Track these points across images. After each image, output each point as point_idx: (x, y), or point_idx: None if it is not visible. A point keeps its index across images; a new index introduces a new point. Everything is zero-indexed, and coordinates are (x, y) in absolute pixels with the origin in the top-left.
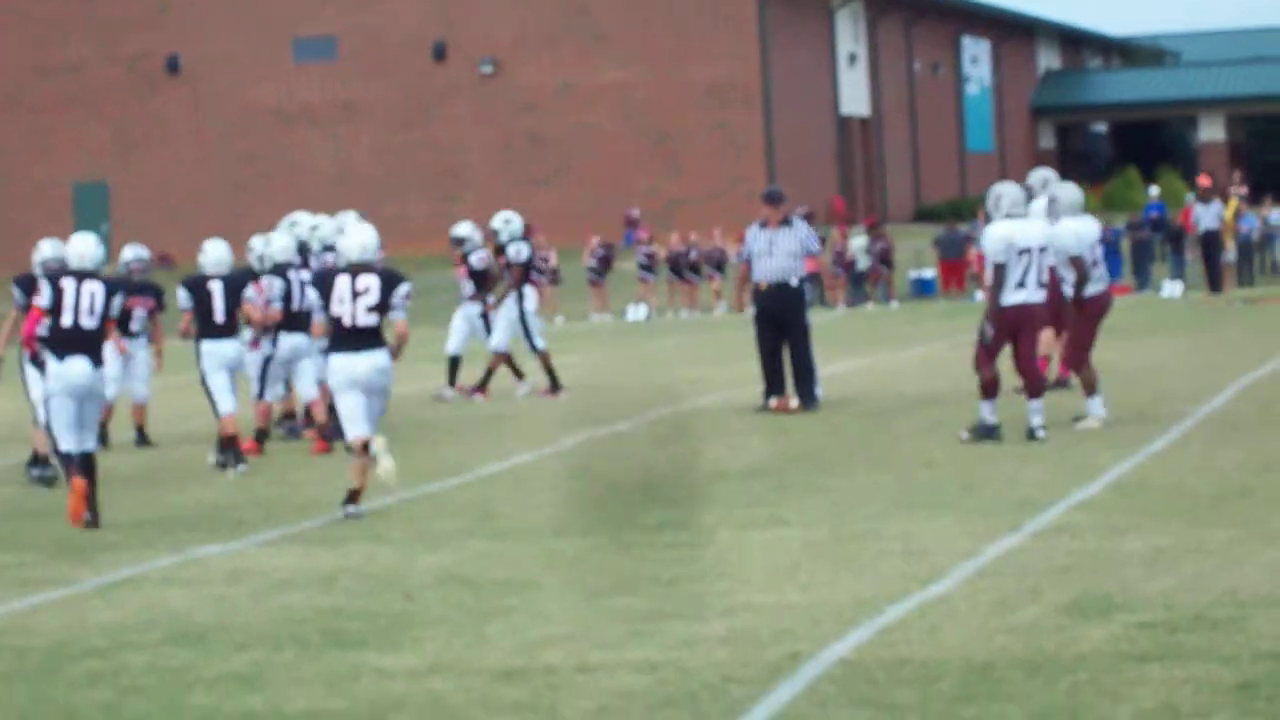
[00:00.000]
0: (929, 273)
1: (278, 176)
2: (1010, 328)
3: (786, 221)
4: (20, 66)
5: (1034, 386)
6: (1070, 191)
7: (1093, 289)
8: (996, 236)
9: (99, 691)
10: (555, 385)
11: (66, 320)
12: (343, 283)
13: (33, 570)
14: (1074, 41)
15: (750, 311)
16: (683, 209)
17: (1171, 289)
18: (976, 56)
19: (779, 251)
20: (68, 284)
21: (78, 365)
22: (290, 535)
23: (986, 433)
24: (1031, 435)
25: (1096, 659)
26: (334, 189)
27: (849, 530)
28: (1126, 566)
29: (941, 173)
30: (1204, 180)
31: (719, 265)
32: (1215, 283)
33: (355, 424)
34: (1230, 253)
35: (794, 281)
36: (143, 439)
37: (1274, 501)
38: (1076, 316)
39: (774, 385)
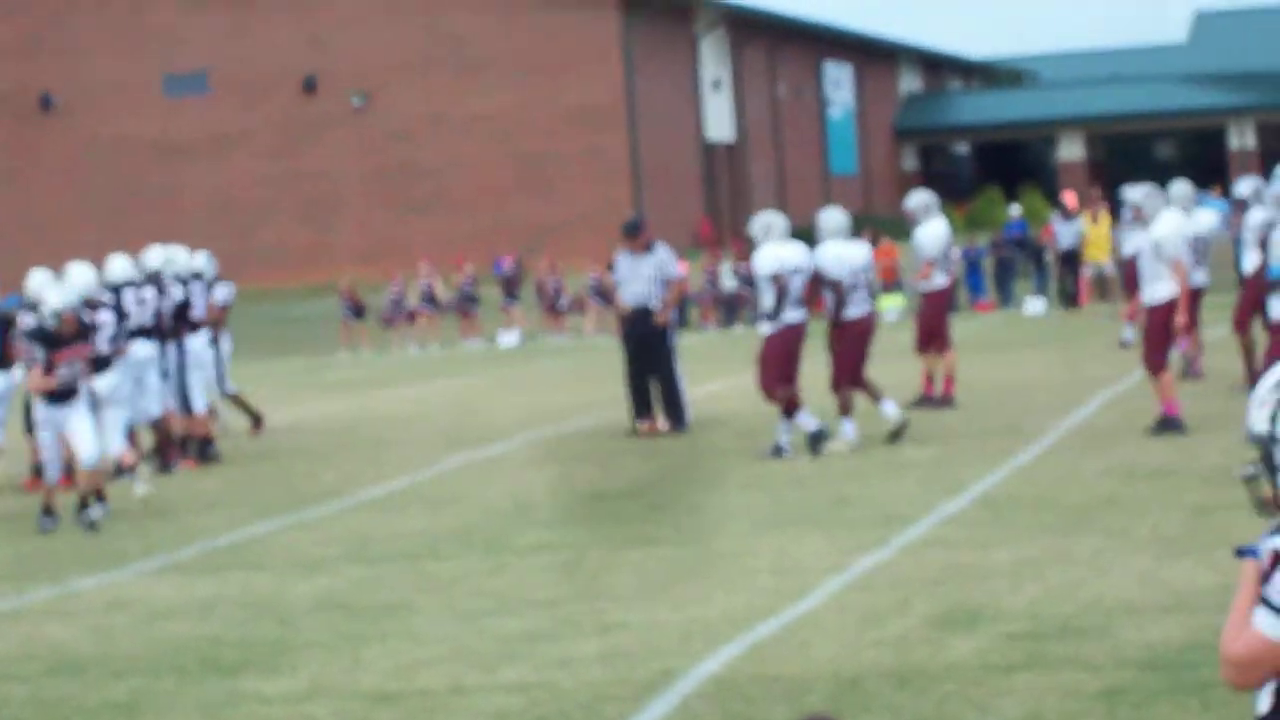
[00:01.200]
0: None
1: (155, 208)
2: (794, 342)
3: (648, 248)
4: None
5: (793, 404)
6: (833, 217)
7: (855, 311)
8: (771, 256)
9: None
10: (257, 421)
11: None
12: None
13: None
14: (935, 64)
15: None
16: (554, 234)
17: (1034, 305)
18: (839, 80)
19: (640, 277)
20: None
21: None
22: (169, 565)
23: (777, 452)
24: (776, 451)
25: (964, 670)
26: (212, 219)
27: (720, 548)
28: (994, 578)
29: (807, 195)
30: (1070, 198)
31: (600, 292)
32: (1074, 298)
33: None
34: (1108, 267)
35: (655, 305)
36: None
37: (1139, 510)
38: (838, 338)
39: (641, 408)
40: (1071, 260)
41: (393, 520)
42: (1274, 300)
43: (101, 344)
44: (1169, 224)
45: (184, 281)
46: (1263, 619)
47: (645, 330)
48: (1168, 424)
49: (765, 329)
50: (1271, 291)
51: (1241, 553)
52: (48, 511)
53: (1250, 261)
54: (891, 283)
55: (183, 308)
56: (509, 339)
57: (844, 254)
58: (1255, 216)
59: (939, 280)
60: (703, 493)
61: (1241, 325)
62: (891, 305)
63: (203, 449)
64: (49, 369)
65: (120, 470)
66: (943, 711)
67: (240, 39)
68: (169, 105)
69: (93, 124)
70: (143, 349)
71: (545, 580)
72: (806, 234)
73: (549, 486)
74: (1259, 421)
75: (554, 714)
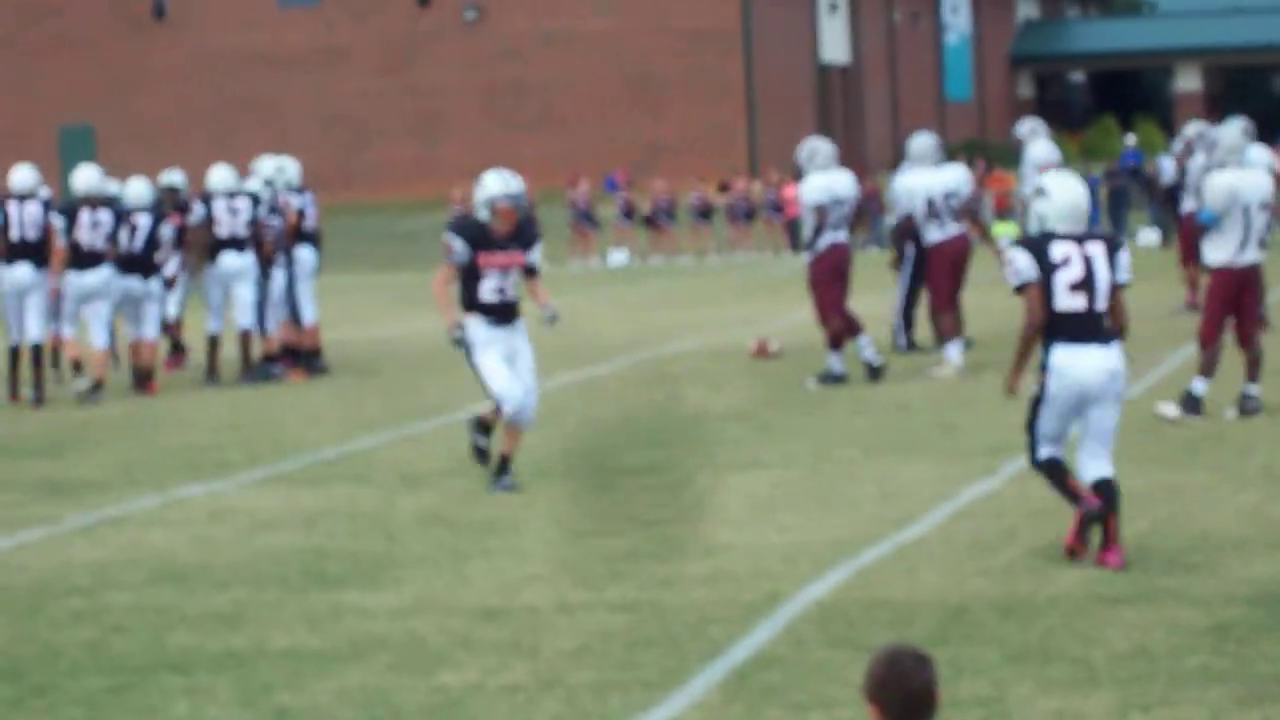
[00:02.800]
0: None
1: (262, 120)
2: (835, 269)
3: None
4: (4, 9)
5: (853, 326)
6: (919, 143)
7: (938, 235)
8: (818, 187)
9: (83, 630)
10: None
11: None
12: None
13: (17, 510)
14: None
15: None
16: (664, 155)
17: (1147, 236)
18: (956, 5)
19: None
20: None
21: None
22: (273, 476)
23: (835, 380)
24: (869, 369)
25: (1070, 601)
26: (318, 133)
27: (827, 472)
28: None
29: (921, 121)
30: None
31: (705, 213)
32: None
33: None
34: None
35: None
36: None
37: (1248, 446)
38: (931, 265)
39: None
40: (1174, 194)
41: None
42: (1205, 245)
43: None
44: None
45: (299, 191)
46: None
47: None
48: None
49: (806, 257)
50: (1202, 236)
51: None
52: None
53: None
54: (1005, 210)
55: (298, 217)
56: (618, 258)
57: (918, 184)
58: (1198, 161)
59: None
60: (810, 417)
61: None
62: (1005, 233)
63: (310, 361)
64: None
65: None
66: (1047, 643)
67: None
68: (280, 17)
69: (204, 34)
70: (231, 260)
71: (651, 500)
72: None
73: (655, 407)
74: None
75: (659, 634)
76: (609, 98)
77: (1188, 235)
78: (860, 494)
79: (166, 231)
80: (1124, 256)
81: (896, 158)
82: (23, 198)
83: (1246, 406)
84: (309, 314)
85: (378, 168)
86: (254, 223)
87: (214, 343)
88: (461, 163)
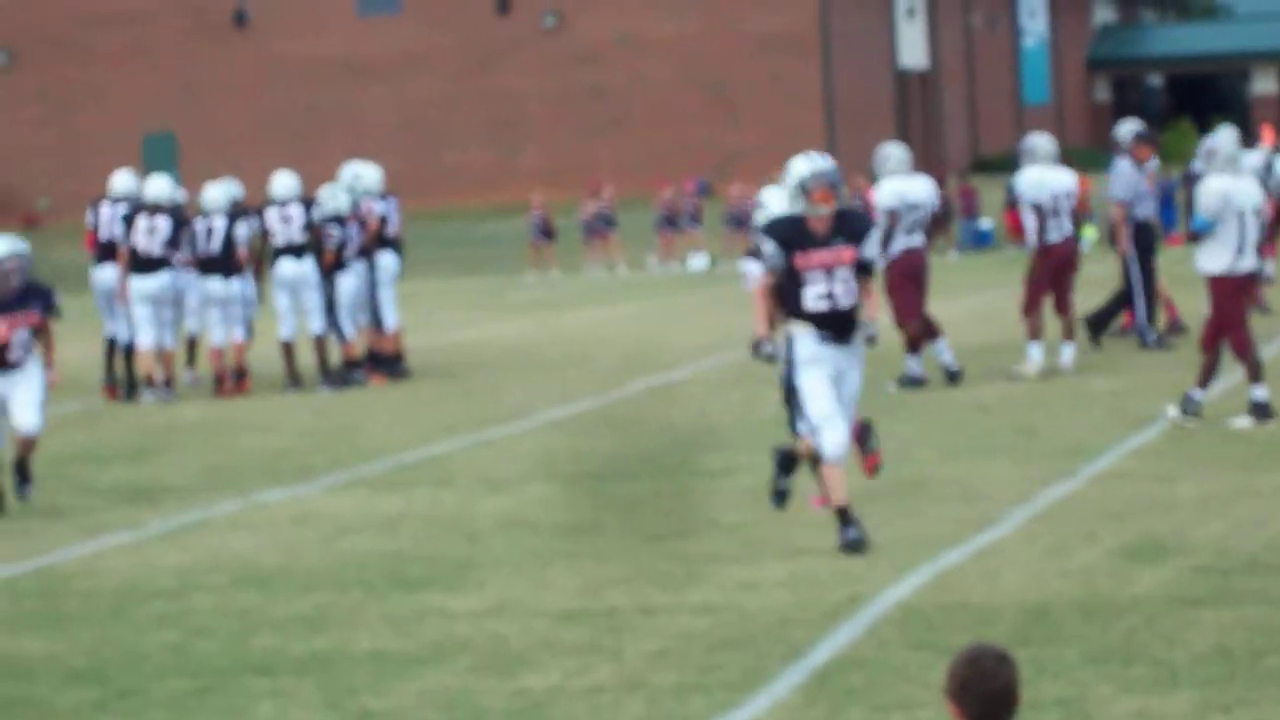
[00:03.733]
0: (987, 223)
1: (342, 127)
2: (911, 273)
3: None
4: (86, 16)
5: (932, 330)
6: (1037, 143)
7: (1055, 236)
8: (890, 191)
9: (167, 633)
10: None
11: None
12: None
13: (101, 515)
14: None
15: None
16: (741, 161)
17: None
18: (1033, 10)
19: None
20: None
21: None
22: (354, 480)
23: (914, 383)
24: (949, 373)
25: (1151, 602)
26: (397, 139)
27: (907, 475)
28: (1180, 511)
29: (999, 125)
30: (1268, 133)
31: None
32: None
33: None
34: None
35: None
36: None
37: None
38: (1039, 264)
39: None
40: None
41: (577, 441)
42: (1199, 252)
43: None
44: None
45: (381, 197)
46: None
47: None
48: None
49: (880, 262)
50: (1194, 243)
51: None
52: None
53: None
54: (1084, 214)
55: (380, 223)
56: (698, 262)
57: (1045, 179)
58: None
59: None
60: (890, 419)
61: None
62: (1085, 236)
63: (392, 365)
64: None
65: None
66: (1130, 643)
67: None
68: (360, 24)
69: (284, 41)
70: (289, 267)
71: (731, 503)
72: (999, 163)
73: (735, 410)
74: None
75: (741, 636)
76: (686, 103)
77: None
78: (940, 496)
79: (242, 233)
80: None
81: (974, 161)
82: (115, 200)
83: (1260, 413)
84: (390, 319)
85: (456, 173)
86: (309, 228)
87: (288, 349)
88: (539, 168)
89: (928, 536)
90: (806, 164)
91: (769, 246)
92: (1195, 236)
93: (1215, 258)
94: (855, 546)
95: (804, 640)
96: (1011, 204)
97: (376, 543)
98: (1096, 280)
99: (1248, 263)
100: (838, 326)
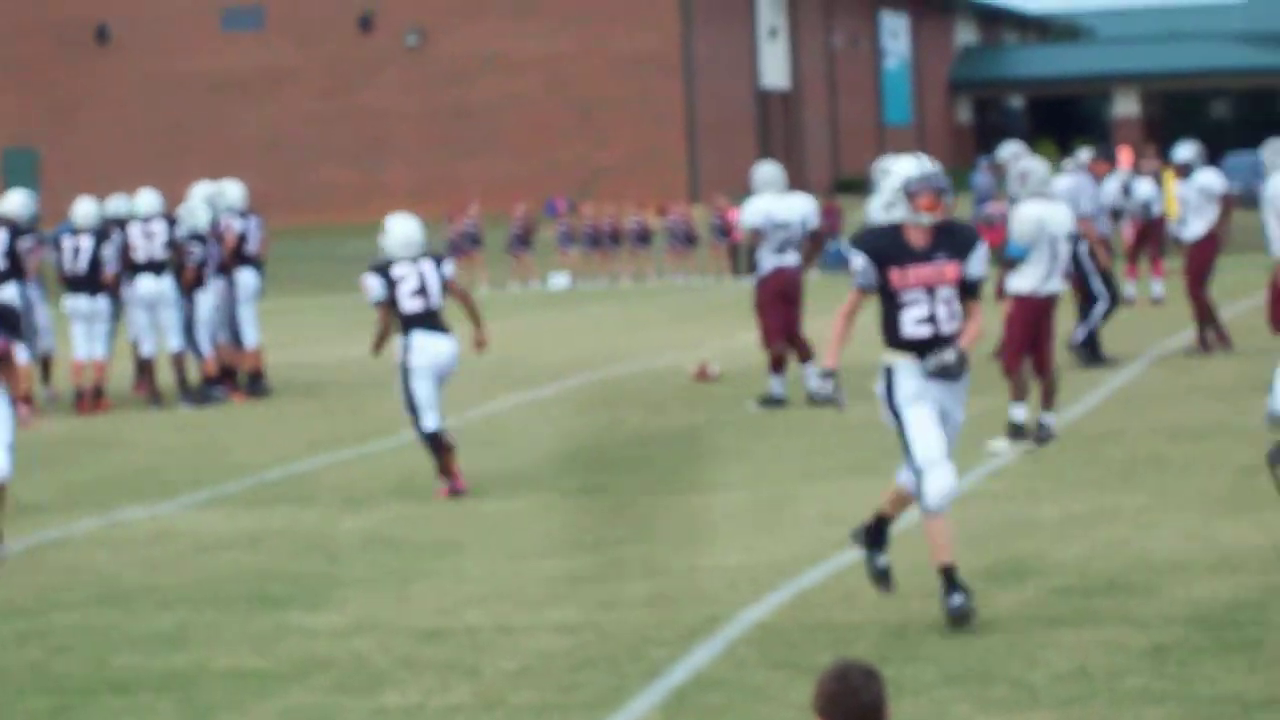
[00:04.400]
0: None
1: (207, 143)
2: (779, 293)
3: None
4: None
5: (803, 353)
6: (764, 171)
7: None
8: (756, 210)
9: (27, 651)
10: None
11: None
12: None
13: None
14: (991, 17)
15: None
16: (606, 178)
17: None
18: (895, 31)
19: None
20: None
21: None
22: (215, 497)
23: (774, 403)
24: (812, 397)
25: (1011, 622)
26: (263, 156)
27: (768, 495)
28: (1040, 532)
29: (860, 145)
30: (1125, 154)
31: (642, 237)
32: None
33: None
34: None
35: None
36: None
37: (1186, 469)
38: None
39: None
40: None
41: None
42: (1011, 274)
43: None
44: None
45: (242, 214)
46: None
47: None
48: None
49: (752, 280)
50: (1008, 269)
51: None
52: None
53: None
54: None
55: (239, 240)
56: (559, 281)
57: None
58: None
59: None
60: (751, 439)
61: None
62: None
63: (252, 383)
64: None
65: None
66: (989, 663)
67: None
68: (225, 40)
69: (148, 57)
70: (149, 284)
71: (592, 523)
72: (861, 183)
73: (597, 430)
74: None
75: (600, 656)
76: (551, 122)
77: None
78: (800, 516)
79: (109, 251)
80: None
81: (836, 181)
82: None
83: (1042, 435)
84: (251, 336)
85: (322, 191)
86: (172, 245)
87: (147, 366)
88: (404, 186)
89: (788, 556)
90: (913, 165)
91: (859, 261)
92: (1010, 263)
93: (1024, 278)
94: (963, 618)
95: (663, 659)
96: (985, 221)
97: (237, 560)
98: None
99: (1052, 285)
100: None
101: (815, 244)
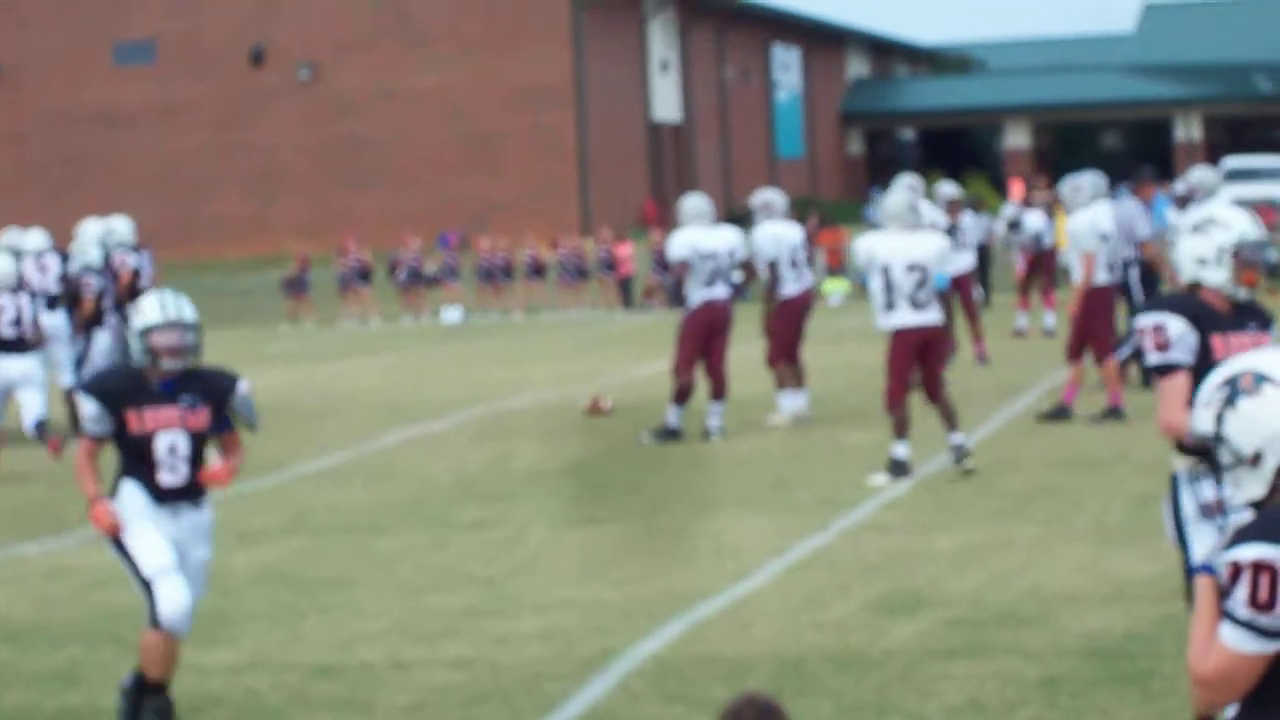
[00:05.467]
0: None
1: (100, 178)
2: (707, 325)
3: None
4: None
5: (718, 387)
6: (694, 204)
7: (793, 288)
8: (683, 242)
9: None
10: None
11: None
12: None
13: None
14: (883, 50)
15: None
16: (499, 212)
17: (979, 292)
18: (787, 64)
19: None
20: None
21: None
22: None
23: (669, 435)
24: (707, 435)
25: (905, 655)
26: (155, 190)
27: (661, 528)
28: (935, 564)
29: (752, 178)
30: (1016, 187)
31: (538, 270)
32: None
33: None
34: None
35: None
36: None
37: (1080, 499)
38: (776, 316)
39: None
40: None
41: (334, 494)
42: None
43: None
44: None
45: (134, 249)
46: (1229, 634)
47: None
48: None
49: (680, 312)
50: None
51: (1198, 570)
52: None
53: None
54: (837, 267)
55: (133, 275)
56: (452, 315)
57: (781, 234)
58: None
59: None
60: (644, 472)
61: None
62: (836, 289)
63: None
64: None
65: None
66: (882, 696)
67: (189, 9)
68: (116, 74)
69: (39, 91)
70: (42, 319)
71: (486, 557)
72: (748, 216)
73: (489, 463)
74: (1204, 422)
75: (494, 690)
76: (444, 155)
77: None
78: (693, 549)
79: None
80: None
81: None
82: None
83: (959, 455)
84: None
85: (214, 224)
86: (65, 279)
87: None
88: (297, 220)
89: (681, 589)
90: (1249, 225)
91: (1177, 326)
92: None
93: (888, 314)
94: None
95: (557, 693)
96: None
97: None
98: (852, 331)
99: (916, 317)
100: None
101: (748, 273)
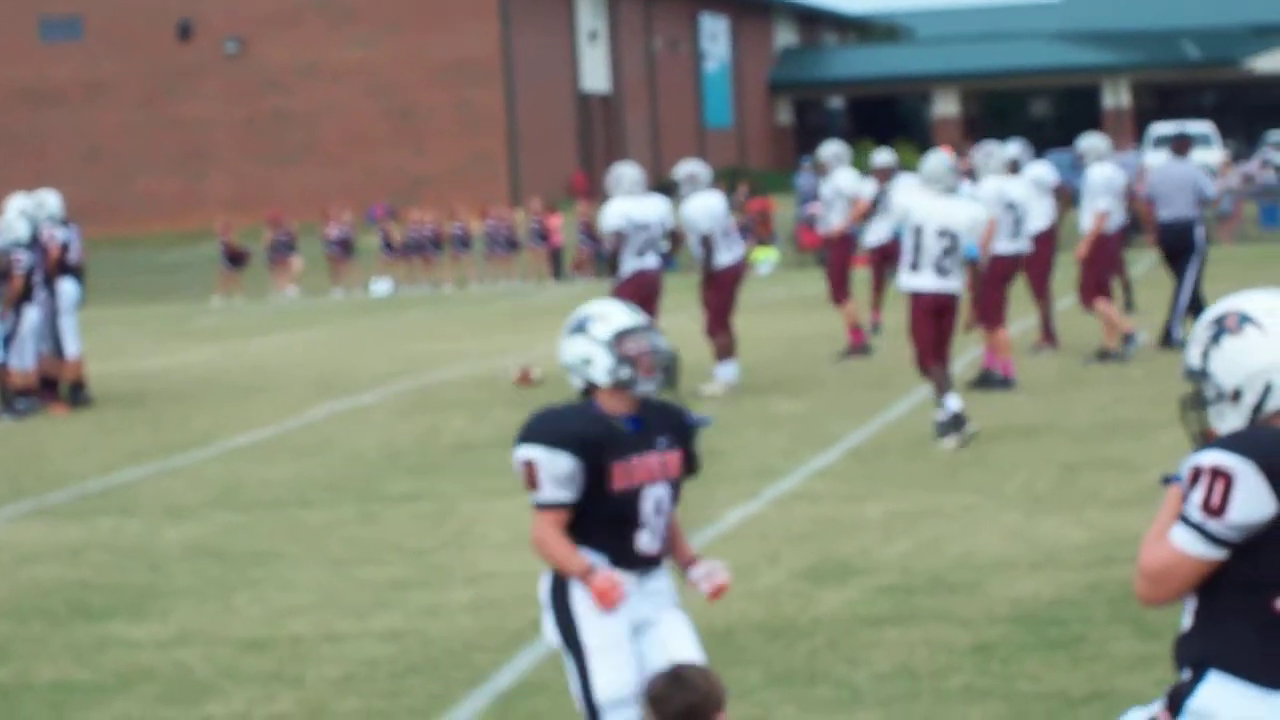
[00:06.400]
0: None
1: (26, 154)
2: (638, 295)
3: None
4: None
5: None
6: (700, 168)
7: (726, 258)
8: (616, 212)
9: None
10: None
11: None
12: None
13: None
14: (811, 18)
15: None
16: (427, 186)
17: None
18: (715, 33)
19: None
20: None
21: None
22: (37, 509)
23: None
24: None
25: (834, 623)
26: (82, 167)
27: None
28: (864, 532)
29: (681, 148)
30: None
31: (466, 242)
32: None
33: None
34: None
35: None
36: None
37: (1009, 467)
38: (710, 286)
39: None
40: None
41: (262, 468)
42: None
43: None
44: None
45: (62, 224)
46: (1178, 533)
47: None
48: (995, 380)
49: (611, 283)
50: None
51: (1167, 480)
52: None
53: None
54: (767, 236)
55: (62, 250)
56: (381, 288)
57: (713, 205)
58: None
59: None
60: None
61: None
62: (766, 258)
63: (74, 393)
64: None
65: None
66: (813, 664)
67: None
68: (42, 50)
69: None
70: None
71: (415, 529)
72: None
73: (418, 436)
74: (1193, 357)
75: (424, 662)
76: (371, 129)
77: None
78: None
79: None
80: None
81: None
82: None
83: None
84: (72, 347)
85: (141, 201)
86: None
87: None
88: (224, 195)
89: None
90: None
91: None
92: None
93: (910, 274)
94: None
95: (488, 665)
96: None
97: (59, 572)
98: (781, 301)
99: (923, 281)
100: None
101: (675, 243)
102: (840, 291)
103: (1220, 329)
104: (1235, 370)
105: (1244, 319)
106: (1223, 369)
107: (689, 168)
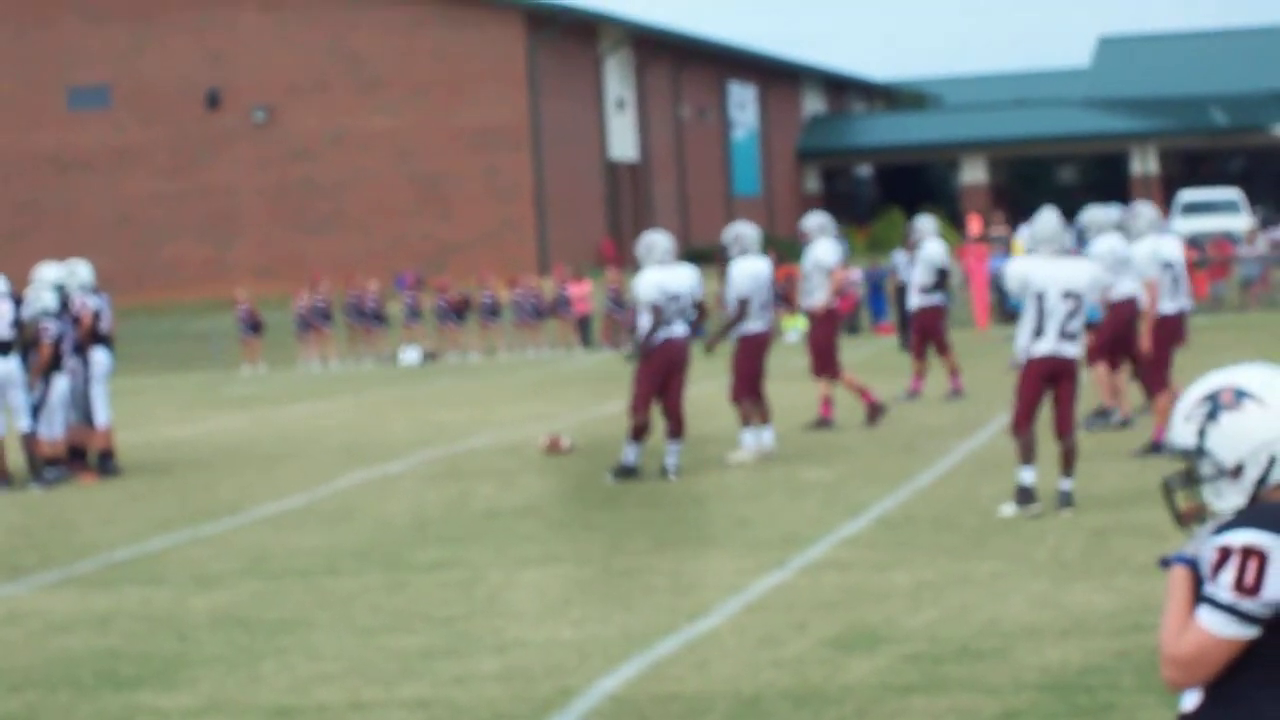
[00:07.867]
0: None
1: (55, 222)
2: (665, 364)
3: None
4: None
5: (675, 426)
6: (747, 229)
7: (757, 325)
8: (651, 283)
9: None
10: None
11: None
12: None
13: None
14: (839, 86)
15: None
16: (455, 254)
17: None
18: (743, 101)
19: None
20: None
21: None
22: (65, 578)
23: (626, 473)
24: (664, 474)
25: (862, 691)
26: (111, 234)
27: (619, 566)
28: (892, 600)
29: (709, 216)
30: (974, 222)
31: (494, 311)
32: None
33: None
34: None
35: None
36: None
37: (1037, 533)
38: (740, 351)
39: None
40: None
41: (290, 536)
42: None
43: None
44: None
45: (94, 293)
46: (1207, 617)
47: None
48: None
49: (640, 352)
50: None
51: (1166, 562)
52: None
53: None
54: (793, 306)
55: (93, 319)
56: (410, 356)
57: (759, 270)
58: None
59: (822, 299)
60: (601, 511)
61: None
62: (794, 326)
63: (103, 462)
64: None
65: None
66: None
67: (143, 53)
68: (70, 118)
69: None
70: None
71: (443, 597)
72: (710, 254)
73: (447, 504)
74: (1185, 435)
75: None
76: (399, 197)
77: (917, 327)
78: (652, 587)
79: None
80: None
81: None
82: None
83: (1061, 501)
84: (102, 416)
85: (170, 268)
86: (18, 325)
87: None
88: (252, 263)
89: (640, 628)
90: None
91: None
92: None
93: (1033, 341)
94: None
95: None
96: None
97: (87, 641)
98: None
99: (1046, 346)
100: None
101: (702, 314)
102: (825, 365)
103: (1216, 405)
104: (1237, 446)
105: (1240, 394)
106: (1222, 445)
107: (737, 229)
